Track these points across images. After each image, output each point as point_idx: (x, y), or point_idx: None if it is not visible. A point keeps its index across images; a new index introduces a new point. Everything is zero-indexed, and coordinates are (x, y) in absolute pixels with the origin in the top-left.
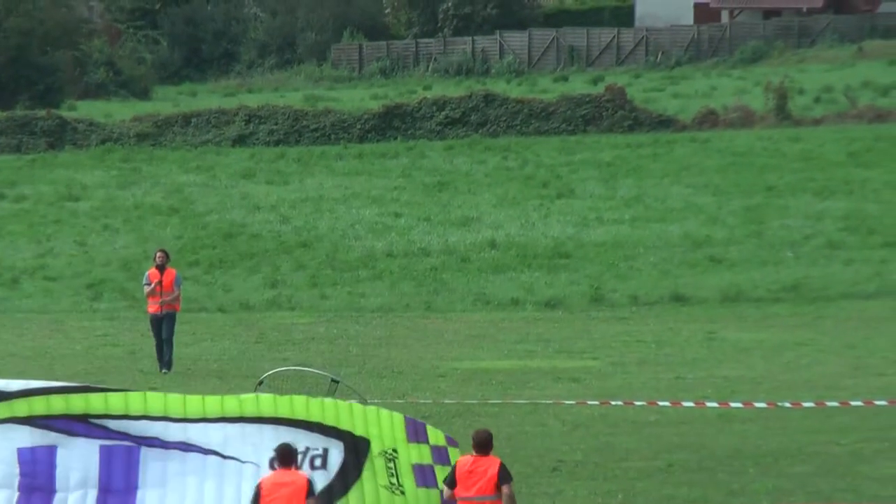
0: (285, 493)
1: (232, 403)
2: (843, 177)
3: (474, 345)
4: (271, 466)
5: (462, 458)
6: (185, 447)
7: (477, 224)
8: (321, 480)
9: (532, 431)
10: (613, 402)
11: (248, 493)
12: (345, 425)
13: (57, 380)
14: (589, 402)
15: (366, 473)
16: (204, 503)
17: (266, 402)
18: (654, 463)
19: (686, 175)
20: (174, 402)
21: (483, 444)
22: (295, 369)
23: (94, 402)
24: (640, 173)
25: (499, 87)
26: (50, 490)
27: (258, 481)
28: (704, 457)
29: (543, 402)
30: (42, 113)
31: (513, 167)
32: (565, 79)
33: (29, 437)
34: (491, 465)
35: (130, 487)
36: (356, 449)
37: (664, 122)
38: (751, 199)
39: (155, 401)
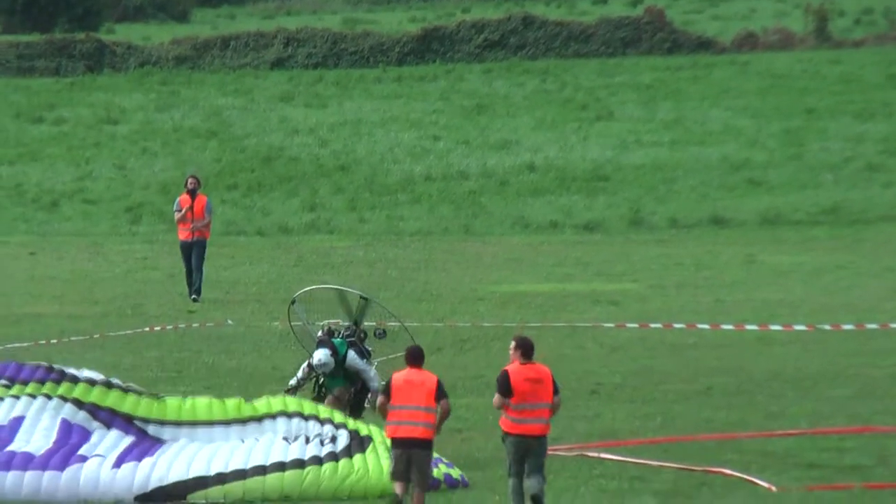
0: (417, 389)
1: (248, 408)
2: (883, 99)
3: (513, 268)
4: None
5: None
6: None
7: (515, 147)
8: (329, 451)
9: (571, 354)
10: (652, 325)
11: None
12: (351, 426)
13: (96, 303)
14: (628, 325)
15: (370, 448)
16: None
17: (278, 403)
18: (693, 386)
19: (725, 98)
20: (202, 407)
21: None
22: (326, 287)
23: (142, 406)
24: (679, 96)
25: (538, 9)
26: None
27: (390, 377)
28: (743, 380)
29: (582, 325)
30: (81, 36)
31: (551, 90)
32: (604, 1)
33: (73, 414)
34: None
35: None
36: (361, 439)
37: (703, 45)
38: (790, 121)
39: (189, 408)
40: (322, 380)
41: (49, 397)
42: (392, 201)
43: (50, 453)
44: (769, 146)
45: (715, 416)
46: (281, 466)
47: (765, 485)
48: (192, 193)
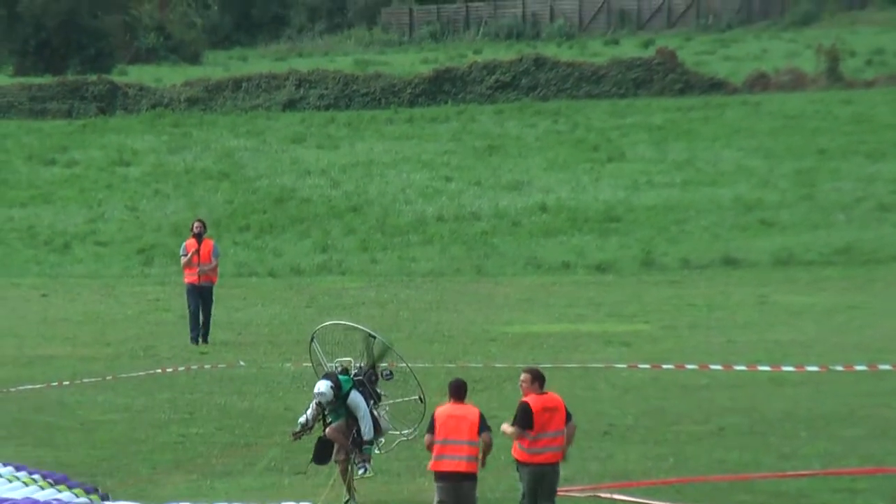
0: (460, 423)
1: None
2: (895, 139)
3: (525, 309)
4: None
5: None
6: None
7: (527, 188)
8: None
9: (583, 395)
10: (665, 366)
11: None
12: None
13: (108, 344)
14: (640, 366)
15: None
16: None
17: None
18: (706, 427)
19: (737, 138)
20: None
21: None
22: (341, 324)
23: None
24: (691, 136)
25: (549, 50)
26: None
27: (434, 412)
28: (756, 420)
29: (594, 365)
30: (93, 78)
31: (563, 131)
32: (616, 42)
33: None
34: (470, 412)
35: None
36: None
37: (715, 86)
38: (802, 162)
39: None
40: (328, 417)
41: None
42: (404, 242)
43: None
44: (781, 186)
45: (727, 457)
46: None
47: None
48: (199, 237)
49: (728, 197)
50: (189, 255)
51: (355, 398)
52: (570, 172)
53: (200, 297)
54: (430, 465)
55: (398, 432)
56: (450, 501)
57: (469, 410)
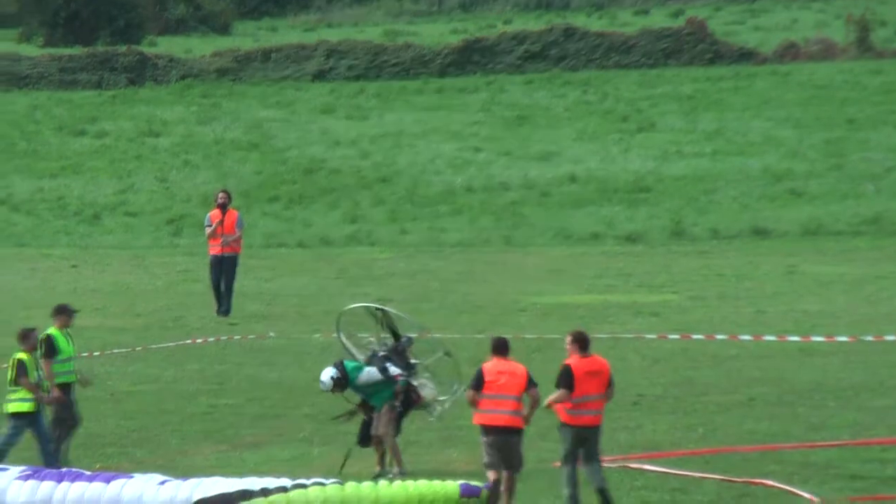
0: (508, 378)
1: None
2: None
3: (554, 279)
4: None
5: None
6: None
7: (557, 158)
8: None
9: (612, 366)
10: (694, 337)
11: None
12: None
13: (138, 315)
14: (669, 337)
15: None
16: None
17: None
18: (735, 397)
19: (766, 108)
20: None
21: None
22: (352, 308)
23: None
24: (721, 107)
25: (579, 20)
26: None
27: (480, 367)
28: (785, 391)
29: (624, 336)
30: (123, 49)
31: (593, 101)
32: (646, 12)
33: None
34: (517, 368)
35: None
36: None
37: (745, 55)
38: (831, 132)
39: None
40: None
41: None
42: (433, 213)
43: (98, 473)
44: (810, 157)
45: (757, 427)
46: (321, 484)
47: (807, 496)
48: (223, 208)
49: (757, 167)
50: (213, 225)
51: (365, 375)
52: (600, 143)
53: (222, 268)
54: (476, 419)
55: (445, 397)
56: (497, 455)
57: (516, 367)
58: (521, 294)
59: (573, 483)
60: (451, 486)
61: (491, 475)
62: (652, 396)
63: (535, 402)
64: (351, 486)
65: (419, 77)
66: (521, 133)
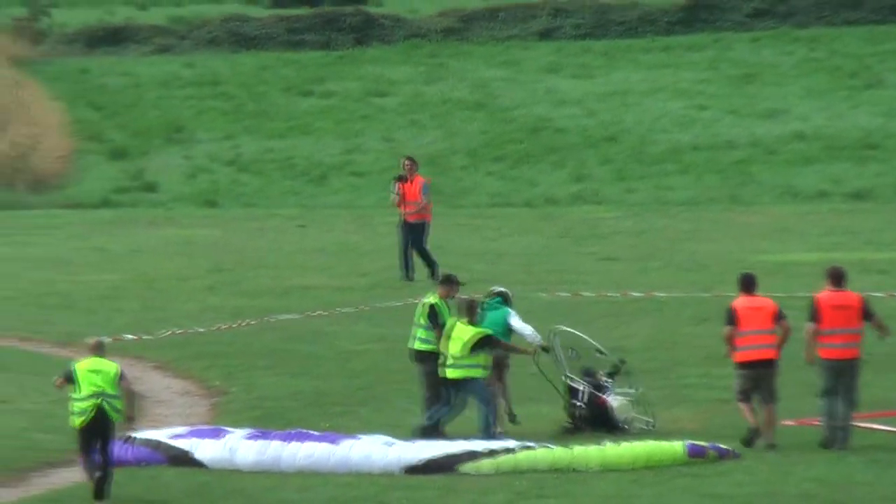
0: (760, 314)
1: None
2: None
3: (780, 238)
4: None
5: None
6: None
7: (784, 116)
8: None
9: None
10: None
11: None
12: None
13: (364, 275)
14: None
15: None
16: None
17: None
18: None
19: None
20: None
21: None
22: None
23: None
24: None
25: None
26: None
27: (731, 305)
28: None
29: None
30: (349, 9)
31: (820, 58)
32: None
33: None
34: (766, 303)
35: None
36: None
37: None
38: None
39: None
40: None
41: None
42: (659, 171)
43: (326, 434)
44: None
45: None
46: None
47: None
48: (403, 178)
49: None
50: (397, 194)
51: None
52: (827, 100)
53: (411, 233)
54: (733, 355)
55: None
56: (753, 387)
57: (766, 301)
58: (747, 252)
59: (831, 415)
60: (678, 445)
61: (745, 409)
62: (880, 354)
63: (787, 333)
64: (578, 449)
65: (646, 36)
66: (748, 91)
